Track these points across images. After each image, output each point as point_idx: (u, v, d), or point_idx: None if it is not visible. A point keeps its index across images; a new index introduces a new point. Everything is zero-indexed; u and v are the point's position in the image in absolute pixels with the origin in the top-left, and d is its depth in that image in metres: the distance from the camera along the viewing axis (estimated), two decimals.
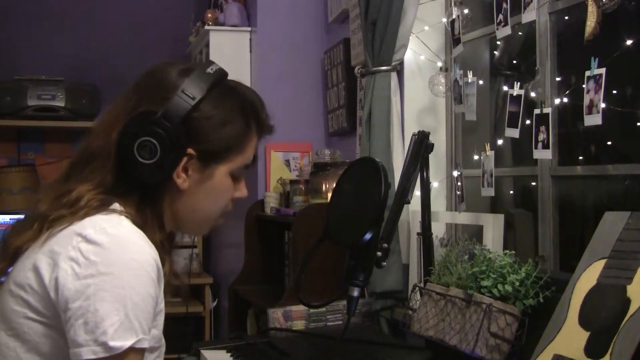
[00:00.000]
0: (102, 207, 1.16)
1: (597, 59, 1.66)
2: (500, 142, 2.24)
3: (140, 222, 1.18)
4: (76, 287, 1.07)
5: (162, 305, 1.18)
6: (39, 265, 1.12)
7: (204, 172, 1.24)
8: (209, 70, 1.25)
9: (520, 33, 2.26)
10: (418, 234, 2.20)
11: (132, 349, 1.07)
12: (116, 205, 1.18)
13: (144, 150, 1.18)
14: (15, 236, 1.20)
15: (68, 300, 1.07)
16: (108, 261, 1.08)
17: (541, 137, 1.87)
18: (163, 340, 1.23)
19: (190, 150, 1.21)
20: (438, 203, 2.51)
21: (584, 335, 1.48)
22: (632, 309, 1.41)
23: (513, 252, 1.85)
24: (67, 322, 1.08)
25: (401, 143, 2.46)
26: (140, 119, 1.19)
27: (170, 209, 1.25)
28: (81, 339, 1.06)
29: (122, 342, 1.06)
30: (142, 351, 1.10)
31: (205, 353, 2.05)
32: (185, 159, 1.21)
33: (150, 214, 1.21)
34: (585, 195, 2.15)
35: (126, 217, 1.16)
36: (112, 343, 1.05)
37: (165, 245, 1.22)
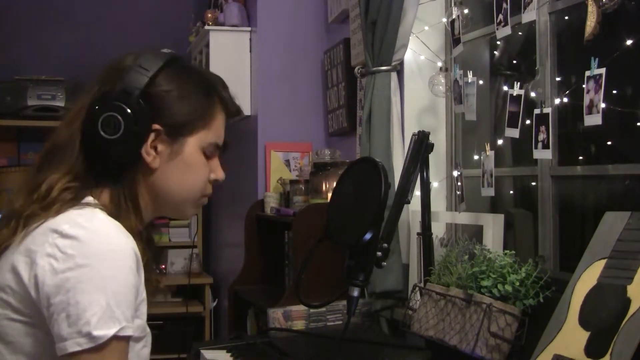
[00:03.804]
0: (75, 200, 1.17)
1: (597, 59, 1.66)
2: (500, 142, 2.24)
3: (115, 212, 1.19)
4: (55, 282, 1.08)
5: (143, 294, 1.18)
6: (17, 266, 1.12)
7: (172, 147, 1.25)
8: (163, 50, 1.30)
9: (520, 33, 2.26)
10: (418, 234, 2.20)
11: (116, 337, 1.07)
12: (89, 199, 1.19)
13: (108, 127, 1.19)
14: None
15: (49, 296, 1.08)
16: (85, 253, 1.08)
17: (541, 137, 1.87)
18: (148, 330, 1.23)
19: (155, 126, 1.23)
20: (438, 203, 2.51)
21: (584, 335, 1.48)
22: (632, 309, 1.41)
23: (513, 252, 1.85)
24: (50, 318, 1.08)
25: (401, 143, 2.46)
26: (100, 97, 1.21)
27: (146, 192, 1.26)
28: (65, 332, 1.06)
29: (106, 331, 1.06)
30: (126, 339, 1.10)
31: (205, 353, 2.05)
32: (152, 136, 1.23)
33: (125, 201, 1.22)
34: (585, 195, 2.15)
35: (100, 209, 1.17)
36: (95, 332, 1.05)
37: (142, 233, 1.22)
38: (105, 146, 1.19)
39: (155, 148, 1.23)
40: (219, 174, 1.33)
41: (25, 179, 1.25)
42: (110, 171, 1.21)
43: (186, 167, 1.27)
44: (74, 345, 1.06)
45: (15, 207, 1.19)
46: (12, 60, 4.35)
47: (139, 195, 1.24)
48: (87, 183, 1.20)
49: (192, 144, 1.27)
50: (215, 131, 1.30)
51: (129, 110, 1.20)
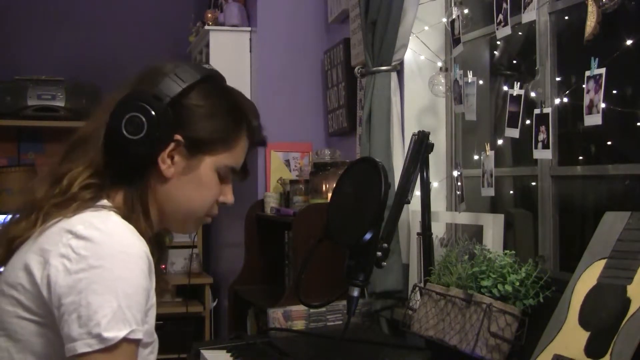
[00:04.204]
0: (92, 201, 1.18)
1: (597, 59, 1.66)
2: (500, 142, 2.24)
3: (128, 214, 1.19)
4: (68, 283, 1.08)
5: (153, 299, 1.19)
6: (30, 264, 1.13)
7: (189, 162, 1.25)
8: (205, 65, 1.29)
9: (520, 33, 2.26)
10: (418, 234, 2.20)
11: (126, 340, 1.07)
12: (105, 202, 1.19)
13: (132, 126, 1.20)
14: (13, 224, 1.21)
15: (61, 297, 1.08)
16: (98, 255, 1.09)
17: (541, 137, 1.87)
18: (155, 336, 1.23)
19: (177, 137, 1.23)
20: (438, 203, 2.51)
21: (584, 335, 1.48)
22: (632, 309, 1.41)
23: (513, 252, 1.85)
24: (60, 318, 1.08)
25: (401, 143, 2.46)
26: (130, 96, 1.22)
27: (155, 200, 1.26)
28: (75, 333, 1.06)
29: (116, 333, 1.06)
30: (136, 342, 1.10)
31: (205, 353, 2.05)
32: (172, 145, 1.23)
33: (137, 204, 1.22)
34: (585, 195, 2.15)
35: (115, 212, 1.18)
36: (105, 334, 1.05)
37: (152, 239, 1.22)
38: (125, 144, 1.20)
39: (172, 158, 1.24)
40: (229, 197, 1.34)
41: (50, 168, 1.26)
42: (126, 171, 1.22)
43: (198, 183, 1.27)
44: (84, 346, 1.06)
45: (37, 197, 1.20)
46: (12, 60, 4.35)
47: (149, 201, 1.25)
48: (104, 181, 1.21)
49: (209, 163, 1.27)
50: (234, 156, 1.30)
51: (154, 114, 1.20)
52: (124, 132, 1.19)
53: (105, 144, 1.21)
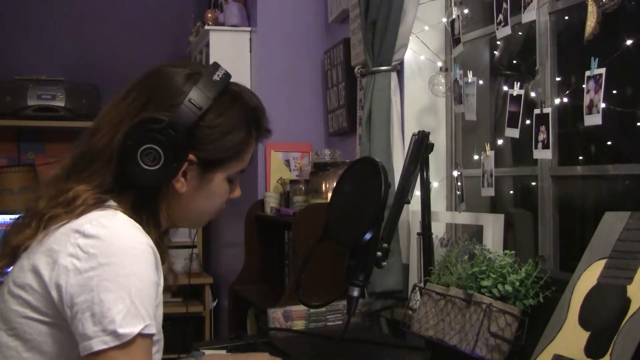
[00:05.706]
0: (97, 204, 1.18)
1: (597, 59, 1.66)
2: (500, 142, 2.24)
3: (136, 219, 1.20)
4: (79, 282, 1.09)
5: (160, 297, 1.19)
6: (38, 265, 1.13)
7: (202, 178, 1.27)
8: (215, 77, 1.26)
9: (520, 33, 2.26)
10: (418, 234, 2.20)
11: (140, 335, 1.08)
12: (111, 202, 1.20)
13: (148, 157, 1.20)
14: (14, 234, 1.22)
15: (73, 296, 1.08)
16: (107, 252, 1.10)
17: (541, 137, 1.87)
18: (162, 335, 1.23)
19: (191, 157, 1.24)
20: (438, 203, 2.51)
21: (584, 335, 1.48)
22: (632, 309, 1.41)
23: (513, 252, 1.85)
24: (74, 317, 1.09)
25: (401, 143, 2.46)
26: (145, 125, 1.20)
27: (166, 210, 1.27)
28: (90, 330, 1.07)
29: (131, 329, 1.07)
30: (150, 337, 1.11)
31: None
32: (185, 165, 1.23)
33: (145, 214, 1.23)
34: (585, 195, 2.15)
35: (122, 211, 1.18)
36: (121, 330, 1.06)
37: (160, 244, 1.23)
38: (140, 174, 1.20)
39: (185, 175, 1.25)
40: (237, 192, 1.36)
41: (51, 182, 1.25)
42: (136, 191, 1.22)
43: (211, 194, 1.30)
44: (99, 343, 1.06)
45: (39, 207, 1.20)
46: (12, 60, 4.34)
47: (160, 213, 1.26)
48: (112, 193, 1.21)
49: (221, 175, 1.29)
50: (244, 162, 1.33)
51: (171, 147, 1.20)
52: (141, 163, 1.19)
53: (118, 170, 1.20)
